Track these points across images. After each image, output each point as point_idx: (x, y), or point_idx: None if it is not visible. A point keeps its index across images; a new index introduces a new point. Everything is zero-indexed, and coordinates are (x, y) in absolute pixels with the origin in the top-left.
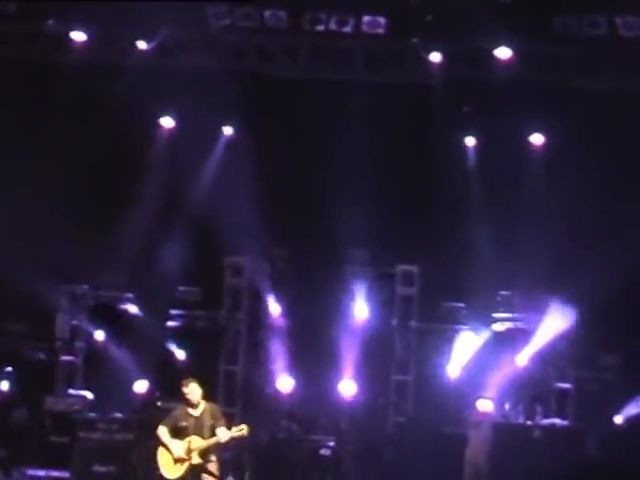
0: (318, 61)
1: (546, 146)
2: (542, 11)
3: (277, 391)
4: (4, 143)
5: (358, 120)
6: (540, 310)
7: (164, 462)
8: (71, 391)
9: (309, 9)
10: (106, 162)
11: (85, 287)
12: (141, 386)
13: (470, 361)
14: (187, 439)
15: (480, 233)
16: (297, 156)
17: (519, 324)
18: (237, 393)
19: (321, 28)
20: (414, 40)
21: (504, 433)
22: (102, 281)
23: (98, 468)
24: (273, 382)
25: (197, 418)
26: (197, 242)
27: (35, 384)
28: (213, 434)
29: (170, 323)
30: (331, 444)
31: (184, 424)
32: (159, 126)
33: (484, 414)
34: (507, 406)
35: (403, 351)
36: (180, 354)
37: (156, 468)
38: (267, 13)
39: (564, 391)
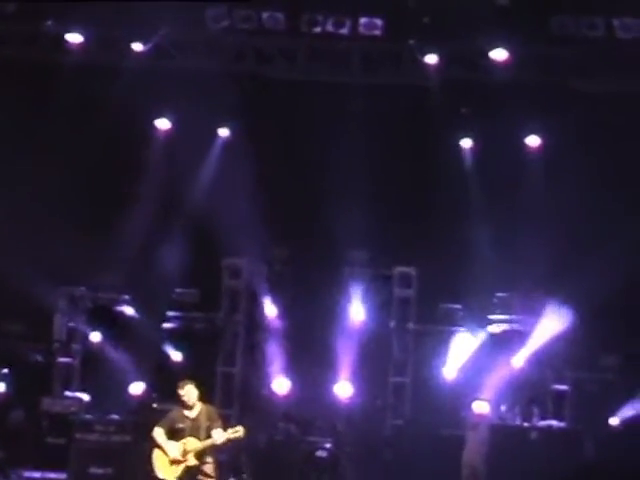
0: (315, 63)
1: (544, 147)
2: (539, 12)
3: (274, 393)
4: (2, 144)
5: (355, 122)
6: (537, 312)
7: (160, 464)
8: (68, 393)
9: (306, 11)
10: (104, 163)
11: (82, 289)
12: (138, 388)
13: (467, 363)
14: (183, 441)
15: (478, 235)
16: (295, 158)
17: (516, 326)
18: (234, 395)
19: (318, 30)
20: (411, 42)
21: (501, 435)
22: (100, 283)
23: (95, 470)
24: (270, 384)
25: (193, 420)
26: (195, 244)
27: (32, 385)
28: (209, 436)
29: (167, 325)
30: (328, 446)
31: (180, 426)
32: (157, 128)
33: (481, 416)
34: (504, 408)
35: (400, 353)
36: (177, 356)
37: (152, 470)
38: (265, 15)
39: (561, 393)
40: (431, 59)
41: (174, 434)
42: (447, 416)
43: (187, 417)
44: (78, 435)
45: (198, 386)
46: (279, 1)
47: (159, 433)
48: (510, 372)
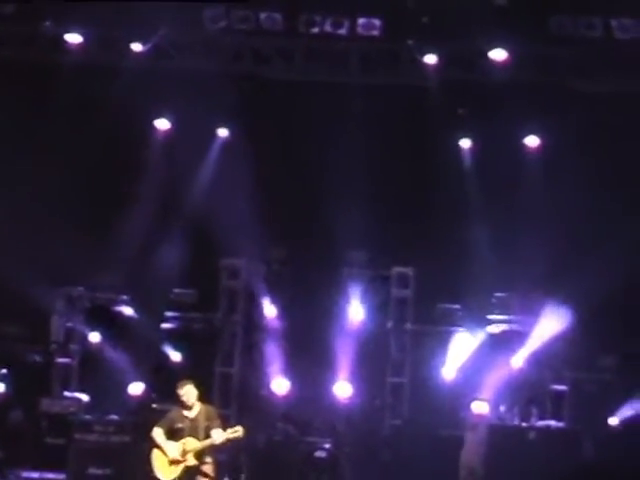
0: (313, 63)
1: (542, 148)
2: (537, 12)
3: (273, 393)
4: (2, 144)
5: (354, 122)
6: (536, 312)
7: (159, 464)
8: (67, 393)
9: (304, 11)
10: (103, 164)
11: (81, 289)
12: (137, 388)
13: (466, 363)
14: (182, 441)
15: (476, 235)
16: (293, 158)
17: (515, 326)
18: (233, 395)
19: (316, 30)
20: (409, 42)
21: (500, 435)
22: (98, 283)
23: (94, 470)
24: (269, 384)
25: (192, 420)
26: (193, 244)
27: (31, 386)
28: (208, 436)
29: (166, 325)
30: (327, 446)
31: (179, 426)
32: (155, 128)
33: (480, 416)
34: (502, 408)
35: (398, 353)
36: (176, 356)
37: (151, 470)
38: (263, 15)
39: (560, 393)
40: (430, 59)
41: (173, 434)
42: (445, 416)
43: (186, 417)
44: (77, 435)
45: (197, 386)
46: (277, 2)
47: (158, 433)
48: (509, 372)
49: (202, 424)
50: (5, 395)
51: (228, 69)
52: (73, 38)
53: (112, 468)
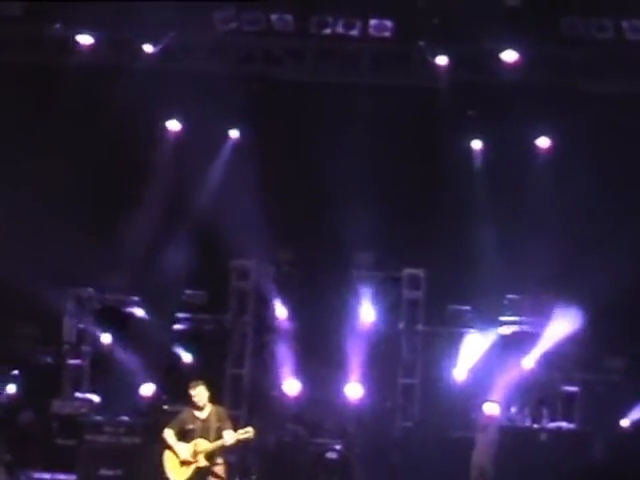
0: (324, 64)
1: (552, 149)
2: (549, 14)
3: (283, 394)
4: (10, 146)
5: (364, 123)
6: (546, 313)
7: (170, 465)
8: (77, 394)
9: (316, 12)
10: (112, 165)
11: (91, 290)
12: (147, 389)
13: (476, 364)
14: (193, 442)
15: (486, 236)
16: (303, 159)
17: (525, 327)
18: (243, 396)
19: (328, 31)
20: (421, 43)
21: (510, 436)
22: (108, 284)
23: (104, 471)
24: (279, 385)
25: (203, 421)
26: (203, 245)
27: (42, 387)
28: (219, 437)
29: (176, 326)
30: (338, 447)
31: (190, 427)
32: (165, 129)
33: (490, 417)
34: (513, 409)
35: (409, 354)
36: (186, 357)
37: (162, 471)
38: (274, 17)
39: (570, 394)
40: (441, 60)
41: (184, 435)
42: (456, 418)
43: (197, 418)
44: (88, 437)
45: (207, 387)
46: (288, 3)
47: (169, 434)
48: (519, 374)
49: (213, 425)
50: (16, 396)
51: (238, 70)
52: (83, 39)
53: (123, 469)
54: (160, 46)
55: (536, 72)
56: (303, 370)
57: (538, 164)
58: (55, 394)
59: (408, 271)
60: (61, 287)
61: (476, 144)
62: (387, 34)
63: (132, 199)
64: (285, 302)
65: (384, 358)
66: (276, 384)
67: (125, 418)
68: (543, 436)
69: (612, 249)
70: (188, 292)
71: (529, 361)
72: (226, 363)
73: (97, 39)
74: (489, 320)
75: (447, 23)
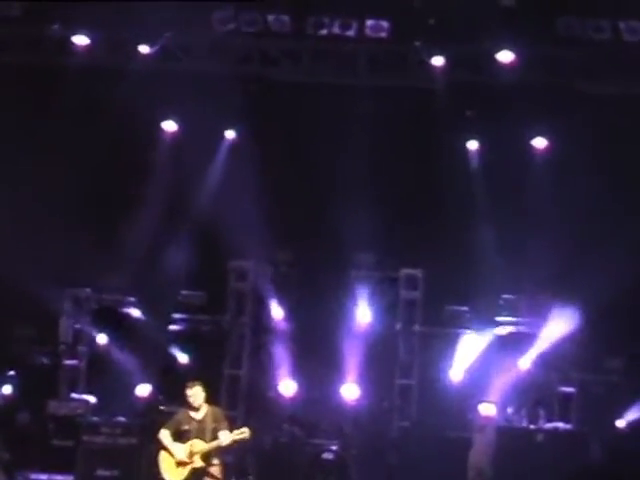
0: (321, 65)
1: (550, 149)
2: (545, 14)
3: (280, 395)
4: (9, 146)
5: (361, 124)
6: (543, 313)
7: (166, 466)
8: (74, 395)
9: (312, 13)
10: (110, 166)
11: (88, 291)
12: (144, 390)
13: (473, 365)
14: (189, 442)
15: (484, 237)
16: (300, 160)
17: (522, 328)
18: (240, 397)
19: (324, 32)
20: (417, 44)
21: (507, 437)
22: (105, 285)
23: (101, 472)
24: (276, 386)
25: (199, 421)
26: (201, 246)
27: (38, 388)
28: (215, 437)
29: (173, 327)
30: (334, 448)
31: (186, 427)
32: (162, 130)
33: (487, 418)
34: (510, 410)
35: (407, 355)
36: (183, 358)
37: (158, 472)
38: (271, 17)
39: (567, 395)
40: (437, 61)
41: (180, 436)
42: (453, 418)
43: (193, 419)
44: (85, 437)
45: (204, 388)
46: (285, 3)
47: (165, 435)
48: (516, 374)
49: (209, 426)
50: (12, 397)
51: (236, 71)
52: (80, 40)
53: (119, 470)
54: (157, 47)
55: (533, 72)
56: (300, 371)
57: (536, 164)
58: (51, 395)
59: (405, 271)
60: (59, 287)
61: (473, 145)
62: (383, 35)
63: (131, 199)
64: (283, 303)
65: (381, 358)
66: (273, 385)
67: (122, 419)
68: (540, 437)
69: (610, 249)
70: (186, 293)
71: (526, 362)
72: (223, 364)
73: (96, 39)
74: (486, 321)
75: (443, 24)
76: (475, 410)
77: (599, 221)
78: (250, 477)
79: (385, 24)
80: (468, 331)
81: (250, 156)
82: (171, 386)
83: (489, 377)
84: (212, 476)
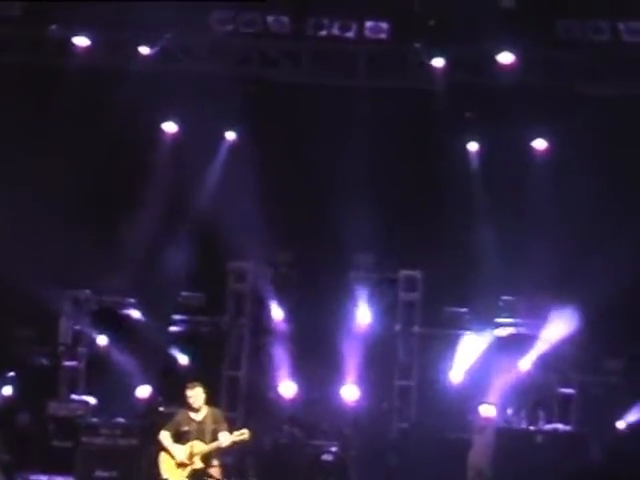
0: (321, 66)
1: (549, 151)
2: (545, 16)
3: (280, 396)
4: (9, 146)
5: (361, 125)
6: (543, 315)
7: (166, 467)
8: (74, 396)
9: (312, 14)
10: (110, 167)
11: (88, 292)
12: (144, 391)
13: (473, 366)
14: (189, 444)
15: (483, 238)
16: (300, 161)
17: (522, 329)
18: (240, 398)
19: (324, 33)
20: (417, 45)
21: (507, 438)
22: (105, 286)
23: (101, 473)
24: (276, 387)
25: (199, 423)
26: (200, 247)
27: (38, 389)
28: (215, 438)
29: (173, 328)
30: (334, 449)
31: (186, 429)
32: (162, 131)
33: (487, 419)
34: (510, 411)
35: (406, 356)
36: (183, 359)
37: (158, 473)
38: (270, 18)
39: (567, 396)
40: (437, 62)
41: (180, 437)
42: (453, 419)
43: (193, 420)
44: (84, 438)
45: (204, 389)
46: (284, 4)
47: (165, 436)
48: (516, 375)
49: (209, 427)
50: (12, 398)
51: (235, 72)
52: (80, 41)
53: (119, 471)
54: (157, 48)
55: (533, 74)
56: (299, 372)
57: (535, 166)
58: (51, 396)
59: (405, 273)
60: (59, 288)
61: (473, 146)
62: (383, 36)
63: (130, 200)
64: (282, 304)
65: (381, 360)
66: (272, 386)
67: (121, 420)
68: (539, 438)
69: (610, 250)
70: (185, 294)
71: (525, 363)
72: (223, 365)
73: (96, 40)
74: (486, 322)
75: (443, 25)
76: (475, 411)
77: (599, 222)
78: (250, 478)
79: (385, 25)
80: (467, 332)
81: (250, 157)
82: (171, 387)
83: (489, 378)
84: (212, 477)
